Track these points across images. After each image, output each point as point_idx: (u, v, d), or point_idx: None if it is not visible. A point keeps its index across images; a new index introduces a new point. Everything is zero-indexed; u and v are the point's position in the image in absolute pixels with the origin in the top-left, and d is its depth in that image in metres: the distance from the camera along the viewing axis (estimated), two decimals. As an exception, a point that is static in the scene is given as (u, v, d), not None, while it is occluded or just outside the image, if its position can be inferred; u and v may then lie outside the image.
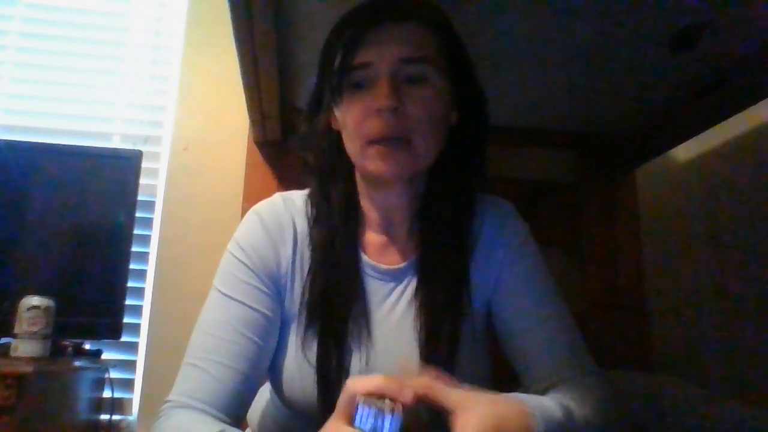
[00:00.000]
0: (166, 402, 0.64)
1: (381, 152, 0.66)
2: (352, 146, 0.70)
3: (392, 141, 0.66)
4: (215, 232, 1.49)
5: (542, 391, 0.66)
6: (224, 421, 0.63)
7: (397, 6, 0.69)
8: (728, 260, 1.35)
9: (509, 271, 0.74)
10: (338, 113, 0.71)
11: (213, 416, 0.62)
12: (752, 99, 1.14)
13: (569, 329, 0.71)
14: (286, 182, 1.42)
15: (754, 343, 1.24)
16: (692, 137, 1.36)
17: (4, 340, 1.17)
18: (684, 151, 1.52)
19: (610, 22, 0.98)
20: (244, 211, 0.77)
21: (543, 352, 0.69)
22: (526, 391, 0.70)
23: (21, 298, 1.14)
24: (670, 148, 1.47)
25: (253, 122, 1.39)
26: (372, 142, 0.66)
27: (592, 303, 1.51)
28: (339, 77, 0.68)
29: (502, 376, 0.73)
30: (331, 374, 0.67)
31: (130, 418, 1.44)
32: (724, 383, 1.29)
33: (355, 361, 0.69)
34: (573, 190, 1.59)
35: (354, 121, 0.68)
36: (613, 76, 1.18)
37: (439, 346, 0.68)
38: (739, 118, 1.22)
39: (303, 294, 0.71)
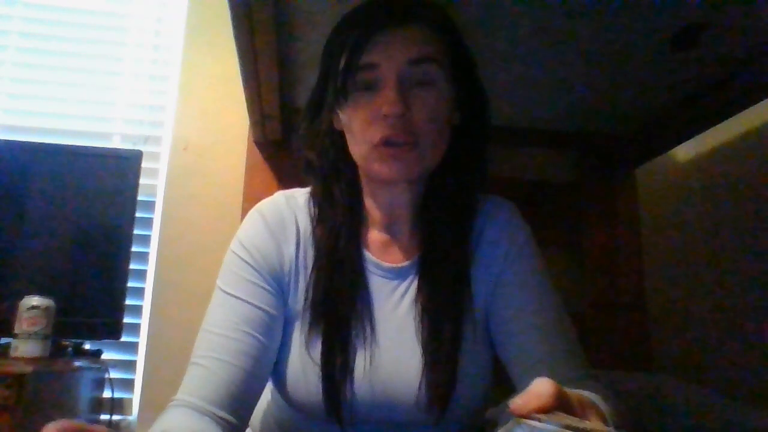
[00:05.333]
0: (171, 401, 0.64)
1: (388, 154, 0.66)
2: (357, 149, 0.70)
3: (399, 144, 0.66)
4: (215, 232, 1.50)
5: None
6: (225, 419, 0.62)
7: (402, 8, 0.69)
8: (728, 260, 1.35)
9: (509, 271, 0.73)
10: (342, 115, 0.71)
11: (212, 414, 0.62)
12: (752, 99, 1.14)
13: (566, 333, 0.70)
14: (286, 182, 1.41)
15: (754, 342, 1.24)
16: (692, 137, 1.36)
17: (4, 340, 1.17)
18: (684, 151, 1.52)
19: (610, 22, 0.98)
20: (244, 211, 0.77)
21: (540, 355, 0.68)
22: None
23: (21, 298, 1.15)
24: (670, 148, 1.47)
25: (253, 122, 1.39)
26: (378, 145, 0.66)
27: (592, 303, 1.51)
28: (344, 78, 0.68)
29: (503, 376, 0.73)
30: (335, 374, 0.67)
31: (130, 418, 1.44)
32: (724, 383, 1.29)
33: (360, 360, 0.69)
34: (573, 190, 1.59)
35: (360, 125, 0.68)
36: (613, 76, 1.18)
37: (442, 345, 0.68)
38: (739, 118, 1.22)
39: (307, 292, 0.71)
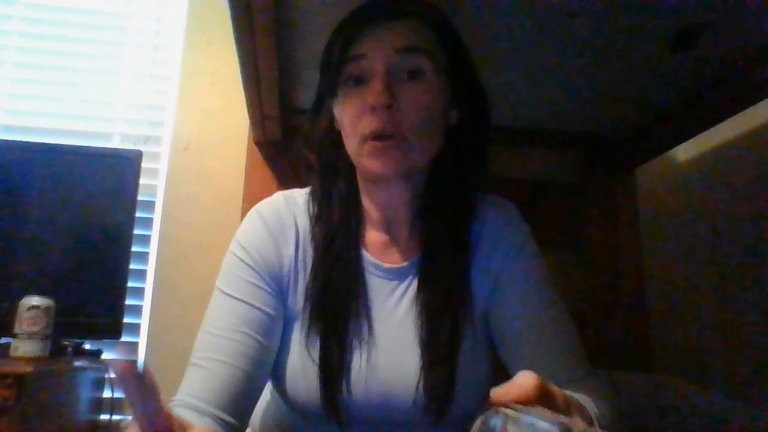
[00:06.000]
0: (171, 401, 0.64)
1: (376, 149, 0.66)
2: (349, 144, 0.70)
3: (387, 138, 0.66)
4: (215, 232, 1.50)
5: None
6: (225, 420, 0.62)
7: (395, 4, 0.69)
8: (728, 260, 1.35)
9: (508, 271, 0.73)
10: (336, 111, 0.71)
11: (212, 414, 0.62)
12: (752, 99, 1.14)
13: (567, 332, 0.70)
14: (286, 182, 1.42)
15: (754, 343, 1.24)
16: (692, 137, 1.36)
17: (4, 340, 1.17)
18: (684, 151, 1.52)
19: (610, 22, 0.98)
20: (244, 211, 0.77)
21: (541, 354, 0.68)
22: None
23: (21, 298, 1.14)
24: (670, 148, 1.47)
25: (253, 122, 1.40)
26: (367, 138, 0.66)
27: (592, 303, 1.51)
28: (335, 72, 0.69)
29: (502, 377, 0.72)
30: (333, 372, 0.67)
31: (131, 418, 1.43)
32: (724, 383, 1.29)
33: (356, 360, 0.69)
34: (573, 190, 1.59)
35: (350, 119, 0.68)
36: (613, 76, 1.17)
37: (441, 346, 0.68)
38: (739, 118, 1.22)
39: (306, 292, 0.71)
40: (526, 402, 0.36)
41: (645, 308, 1.52)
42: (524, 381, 0.38)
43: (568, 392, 0.44)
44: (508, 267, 0.73)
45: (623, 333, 1.49)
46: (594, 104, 1.33)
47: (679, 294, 1.50)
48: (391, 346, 0.70)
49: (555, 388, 0.40)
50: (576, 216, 1.57)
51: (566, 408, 0.40)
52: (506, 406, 0.36)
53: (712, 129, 1.28)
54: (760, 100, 1.13)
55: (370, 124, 0.66)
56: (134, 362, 0.33)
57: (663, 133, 1.39)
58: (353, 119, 0.68)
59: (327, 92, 0.71)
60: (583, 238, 1.56)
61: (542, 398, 0.38)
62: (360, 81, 0.68)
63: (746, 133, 1.31)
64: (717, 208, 1.40)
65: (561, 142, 1.56)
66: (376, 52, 0.66)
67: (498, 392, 0.37)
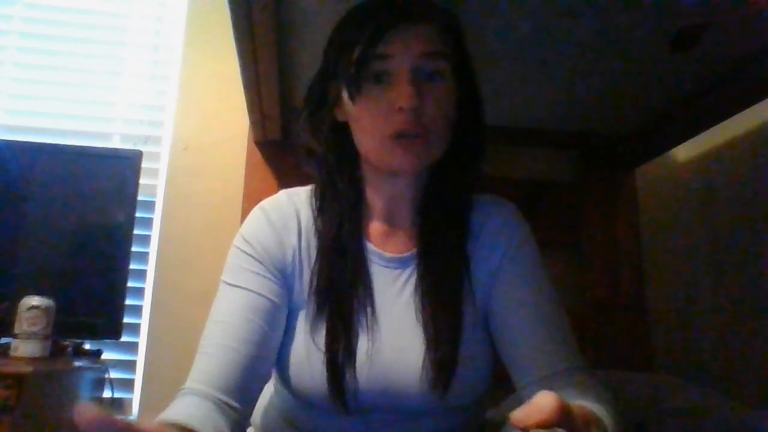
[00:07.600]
0: (180, 390, 0.65)
1: (401, 147, 0.68)
2: (366, 140, 0.71)
3: (411, 137, 0.68)
4: (215, 232, 1.50)
5: (532, 384, 0.67)
6: (229, 405, 0.63)
7: (416, 8, 0.71)
8: (728, 260, 1.35)
9: (507, 268, 0.75)
10: (352, 106, 0.71)
11: (216, 399, 0.63)
12: (752, 99, 1.14)
13: (561, 326, 0.72)
14: (286, 182, 1.40)
15: (754, 343, 1.24)
16: (692, 137, 1.36)
17: (4, 340, 1.17)
18: (684, 151, 1.52)
19: (610, 22, 0.98)
20: (244, 211, 0.78)
21: (534, 346, 0.70)
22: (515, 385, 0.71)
23: (21, 298, 1.15)
24: (670, 148, 1.47)
25: (253, 122, 1.40)
26: (392, 136, 0.68)
27: (592, 303, 1.51)
28: (357, 68, 0.69)
29: (502, 371, 0.73)
30: (339, 357, 0.68)
31: (130, 418, 1.44)
32: (724, 383, 1.29)
33: (362, 345, 0.70)
34: (573, 190, 1.59)
35: (371, 117, 0.69)
36: (613, 76, 1.18)
37: (443, 325, 0.70)
38: (739, 118, 1.22)
39: (311, 281, 0.73)
40: (547, 425, 0.36)
41: (645, 308, 1.52)
42: (544, 403, 0.37)
43: (585, 405, 0.43)
44: (507, 264, 0.75)
45: (623, 333, 1.49)
46: (594, 104, 1.33)
47: (678, 294, 1.50)
48: (395, 332, 0.71)
49: (575, 407, 0.40)
50: (576, 216, 1.57)
51: (586, 427, 0.40)
52: (527, 430, 0.36)
53: (712, 129, 1.29)
54: (760, 100, 1.13)
55: (396, 124, 0.68)
56: (105, 414, 0.31)
57: (663, 133, 1.39)
58: (375, 118, 0.69)
59: (348, 89, 0.71)
60: (583, 238, 1.56)
61: (562, 419, 0.37)
62: (380, 79, 0.69)
63: (746, 133, 1.31)
64: (717, 209, 1.40)
65: (561, 142, 1.56)
66: (403, 55, 0.68)
67: (518, 417, 0.36)
